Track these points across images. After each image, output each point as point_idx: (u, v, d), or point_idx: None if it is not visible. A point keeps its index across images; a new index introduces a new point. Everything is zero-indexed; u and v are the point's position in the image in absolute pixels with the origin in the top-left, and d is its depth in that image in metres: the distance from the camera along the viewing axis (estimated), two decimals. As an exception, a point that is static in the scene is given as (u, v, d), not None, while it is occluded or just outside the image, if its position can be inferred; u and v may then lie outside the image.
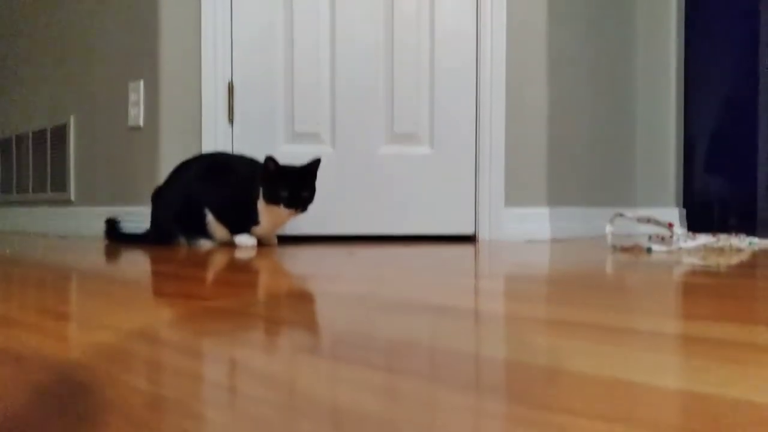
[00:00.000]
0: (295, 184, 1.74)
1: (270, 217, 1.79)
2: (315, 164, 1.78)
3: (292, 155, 2.14)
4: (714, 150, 2.90)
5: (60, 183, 2.64)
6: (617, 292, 0.84)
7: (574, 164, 2.39)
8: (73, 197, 2.57)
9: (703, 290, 0.85)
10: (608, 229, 1.75)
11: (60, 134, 2.65)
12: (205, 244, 1.82)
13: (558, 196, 2.26)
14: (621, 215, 1.76)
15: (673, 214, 2.78)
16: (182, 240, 1.83)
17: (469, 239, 2.19)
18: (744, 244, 1.66)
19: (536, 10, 2.19)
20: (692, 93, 2.90)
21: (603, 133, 2.60)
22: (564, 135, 2.31)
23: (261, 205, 1.77)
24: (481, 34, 2.20)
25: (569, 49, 2.35)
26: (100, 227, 2.34)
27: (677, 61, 2.82)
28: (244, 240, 1.80)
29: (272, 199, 1.75)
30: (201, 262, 1.33)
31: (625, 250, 1.63)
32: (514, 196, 2.19)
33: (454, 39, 2.21)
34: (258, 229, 1.82)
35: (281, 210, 1.75)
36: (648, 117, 2.83)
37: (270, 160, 1.73)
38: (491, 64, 2.19)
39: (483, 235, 2.20)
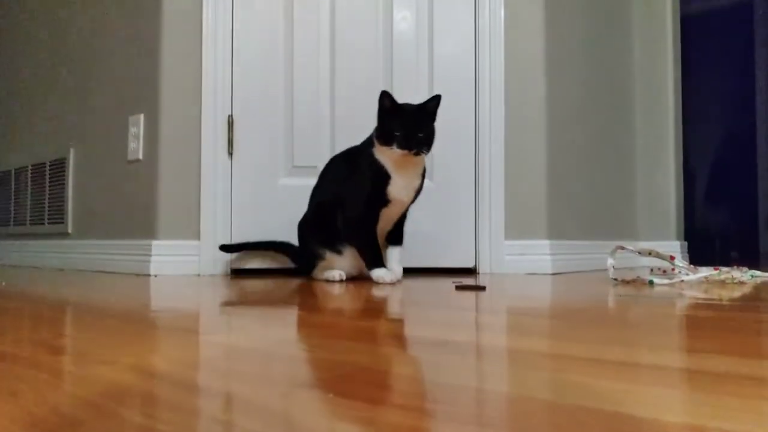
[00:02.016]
0: (411, 123, 1.59)
1: (391, 166, 1.63)
2: (434, 101, 1.64)
3: (291, 188, 2.15)
4: (714, 184, 2.91)
5: (58, 216, 2.64)
6: (620, 325, 0.83)
7: (574, 198, 2.39)
8: (70, 230, 2.56)
9: (705, 323, 0.84)
10: (610, 262, 1.74)
11: (59, 167, 2.65)
12: (335, 274, 1.74)
13: (558, 229, 2.26)
14: (622, 248, 1.76)
15: (674, 247, 2.77)
16: (325, 254, 1.75)
17: (469, 272, 2.17)
18: (746, 276, 1.65)
19: (534, 43, 2.22)
20: (691, 128, 2.92)
21: (603, 167, 2.61)
22: (563, 169, 2.32)
23: (376, 150, 1.65)
24: (479, 67, 2.22)
25: (568, 84, 2.37)
26: (97, 260, 2.33)
27: (675, 98, 2.85)
28: (381, 274, 1.66)
29: (385, 140, 1.60)
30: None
31: (626, 283, 1.61)
32: (515, 229, 2.19)
33: (453, 74, 2.23)
34: (391, 191, 1.65)
35: (394, 152, 1.60)
36: (647, 152, 2.85)
37: (385, 95, 1.61)
38: (490, 99, 2.21)
39: (483, 268, 2.18)
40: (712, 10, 2.99)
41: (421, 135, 1.60)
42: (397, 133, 1.59)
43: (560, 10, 2.34)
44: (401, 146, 1.59)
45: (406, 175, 1.66)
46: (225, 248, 2.05)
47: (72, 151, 2.59)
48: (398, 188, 1.66)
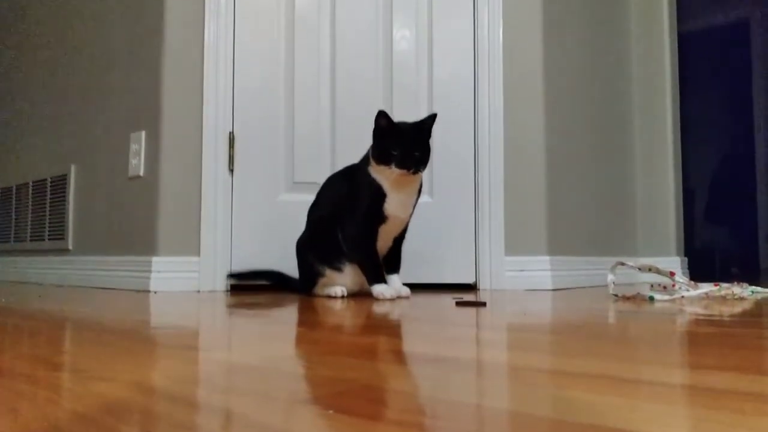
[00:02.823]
0: (408, 142, 1.60)
1: (387, 184, 1.64)
2: (430, 120, 1.65)
3: (291, 204, 2.16)
4: (714, 200, 2.92)
5: (58, 232, 2.64)
6: (620, 341, 0.82)
7: (574, 214, 2.39)
8: (71, 246, 2.56)
9: (706, 339, 0.83)
10: (610, 278, 1.73)
11: (60, 184, 2.66)
12: (337, 290, 1.74)
13: (558, 245, 2.26)
14: (622, 264, 1.76)
15: (674, 263, 2.77)
16: (325, 271, 1.75)
17: (470, 288, 2.17)
18: (746, 292, 1.65)
19: (533, 61, 2.24)
20: (690, 146, 2.94)
21: (603, 184, 2.61)
22: (563, 185, 2.32)
23: (373, 169, 1.66)
24: (478, 86, 2.24)
25: (567, 103, 2.39)
26: (97, 277, 2.32)
27: (673, 115, 2.86)
28: (382, 290, 1.66)
29: (382, 159, 1.61)
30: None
31: (627, 299, 1.61)
32: (515, 245, 2.19)
33: (453, 93, 2.25)
34: (387, 208, 1.66)
35: (392, 172, 1.61)
36: (647, 169, 2.86)
37: (381, 115, 1.62)
38: (489, 117, 2.22)
39: (484, 284, 2.18)
40: (709, 28, 3.02)
41: (417, 154, 1.61)
42: (394, 153, 1.60)
43: (559, 30, 2.36)
44: (399, 166, 1.60)
45: (403, 192, 1.68)
46: (232, 276, 2.06)
47: (73, 168, 2.60)
48: (395, 205, 1.68)
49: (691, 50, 2.97)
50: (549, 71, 2.27)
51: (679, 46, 2.93)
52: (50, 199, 2.74)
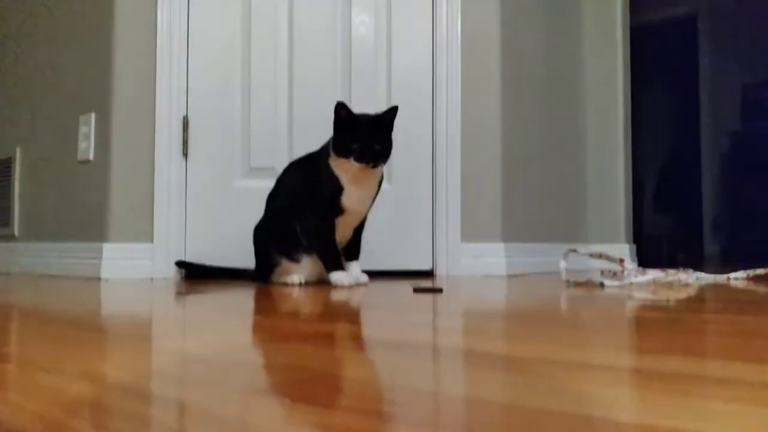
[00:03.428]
0: (368, 135, 1.57)
1: (346, 177, 1.62)
2: (391, 113, 1.62)
3: (248, 190, 2.13)
4: (662, 189, 3.01)
5: (3, 218, 2.54)
6: (572, 326, 0.84)
7: (528, 202, 2.43)
8: (17, 233, 2.47)
9: (653, 324, 0.86)
10: (562, 264, 1.77)
11: (5, 167, 2.56)
12: (295, 278, 1.71)
13: (513, 232, 2.30)
14: (574, 251, 1.80)
15: (624, 249, 2.85)
16: (282, 261, 1.72)
17: (427, 274, 2.19)
18: (692, 278, 1.71)
19: (491, 53, 2.25)
20: (640, 135, 3.02)
21: (556, 173, 2.67)
22: (518, 174, 2.36)
23: (333, 161, 1.63)
24: (437, 76, 2.24)
25: (522, 94, 2.42)
26: (45, 264, 2.25)
27: (624, 106, 2.93)
28: (340, 277, 1.65)
29: (342, 152, 1.58)
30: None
31: (578, 285, 1.65)
32: (471, 232, 2.22)
33: (411, 81, 2.25)
34: (345, 201, 1.64)
35: (351, 165, 1.59)
36: (598, 158, 2.92)
37: (341, 106, 1.58)
38: (447, 107, 2.23)
39: (441, 271, 2.20)
40: (660, 21, 3.10)
41: (378, 147, 1.59)
42: (354, 146, 1.58)
43: (516, 24, 2.38)
44: (358, 159, 1.58)
45: (362, 186, 1.67)
46: (181, 265, 2.01)
47: (18, 150, 2.50)
48: (353, 199, 1.67)
49: (643, 44, 3.04)
50: (506, 63, 2.29)
51: (631, 40, 2.99)
52: (-7, 183, 2.63)
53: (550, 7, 2.68)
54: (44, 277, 2.06)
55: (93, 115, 2.11)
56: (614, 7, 2.93)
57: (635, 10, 3.05)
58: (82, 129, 2.15)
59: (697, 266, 2.32)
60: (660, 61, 3.02)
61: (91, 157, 2.11)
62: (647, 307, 1.10)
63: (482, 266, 2.19)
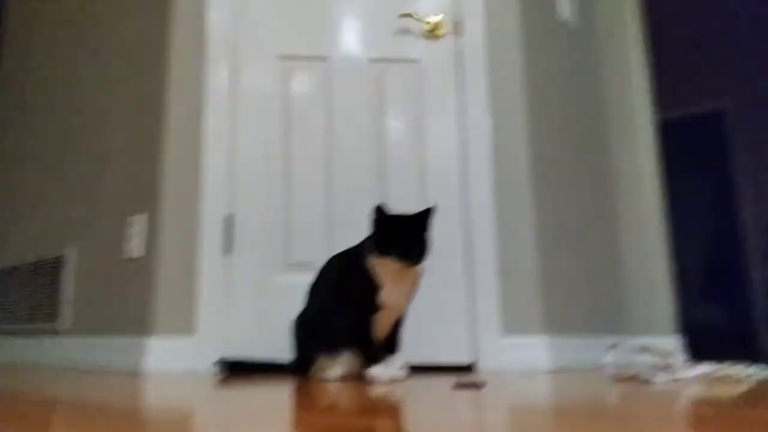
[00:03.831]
0: (406, 235, 1.60)
1: (385, 276, 1.64)
2: (428, 213, 1.66)
3: (288, 285, 2.16)
4: (709, 280, 2.94)
5: (52, 313, 2.62)
6: (619, 424, 0.82)
7: (569, 292, 2.40)
8: (64, 327, 2.53)
9: (705, 422, 0.83)
10: (607, 359, 1.72)
11: (56, 265, 2.67)
12: (333, 372, 1.72)
13: (556, 325, 2.25)
14: (619, 345, 1.75)
15: (671, 342, 2.75)
16: (320, 356, 1.73)
17: (466, 369, 2.14)
18: (745, 373, 1.63)
19: (519, 150, 2.31)
20: (681, 228, 2.99)
21: (595, 263, 2.64)
22: (556, 263, 2.34)
23: (372, 260, 1.65)
24: (468, 172, 2.30)
25: (554, 186, 2.45)
26: (90, 358, 2.29)
27: (658, 197, 2.93)
28: (378, 372, 1.64)
29: (381, 251, 1.61)
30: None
31: (624, 380, 1.59)
32: (511, 324, 2.18)
33: (443, 179, 2.30)
34: (383, 299, 1.65)
35: (391, 264, 1.61)
36: (637, 250, 2.89)
37: (379, 209, 1.63)
38: (479, 200, 2.27)
39: (481, 365, 2.15)
40: (688, 116, 3.15)
41: (417, 246, 1.62)
42: (393, 245, 1.61)
43: (543, 120, 2.46)
44: (398, 259, 1.61)
45: (401, 284, 1.68)
46: (222, 363, 2.03)
47: (70, 250, 2.61)
48: (392, 296, 1.68)
49: (673, 137, 3.08)
50: (536, 156, 2.34)
51: (662, 134, 3.04)
52: (45, 280, 2.73)
53: (576, 103, 2.76)
54: (88, 372, 2.09)
55: (142, 216, 2.21)
56: (639, 103, 3.00)
57: (663, 106, 3.11)
58: (132, 229, 2.25)
59: (752, 360, 2.21)
60: (691, 152, 3.04)
61: (139, 255, 2.19)
62: (698, 404, 1.05)
63: (524, 360, 2.13)
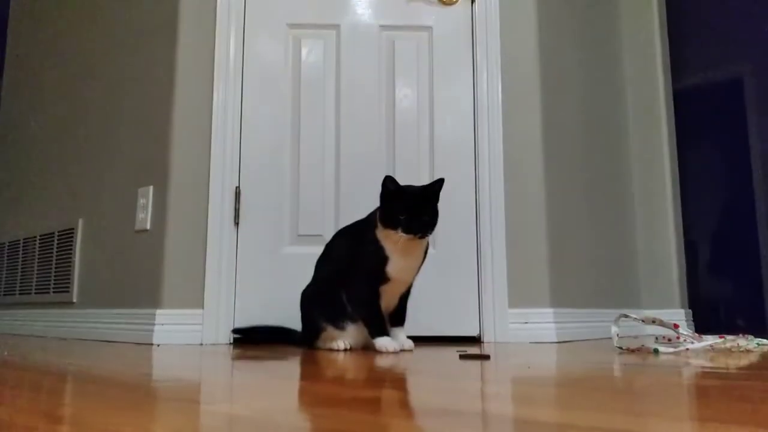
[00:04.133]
0: (414, 207, 1.59)
1: (392, 248, 1.64)
2: (437, 184, 1.66)
3: (296, 257, 2.17)
4: (717, 252, 2.92)
5: (63, 285, 2.65)
6: (626, 394, 0.82)
7: (577, 267, 2.39)
8: (75, 299, 2.56)
9: (711, 392, 0.83)
10: (614, 330, 1.72)
11: (67, 237, 2.69)
12: (340, 343, 1.73)
13: (562, 297, 2.25)
14: (626, 316, 1.75)
15: (678, 315, 2.75)
16: (327, 327, 1.75)
17: (473, 340, 2.15)
18: (752, 344, 1.63)
19: (531, 121, 2.28)
20: (690, 197, 2.96)
21: (604, 237, 2.63)
22: (565, 238, 2.34)
23: (379, 232, 1.66)
24: (479, 142, 2.28)
25: (566, 157, 2.43)
26: (100, 329, 2.32)
27: (671, 169, 2.90)
28: (384, 343, 1.65)
29: (389, 223, 1.61)
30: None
31: (631, 351, 1.60)
32: (518, 297, 2.18)
33: (453, 149, 2.29)
34: (390, 271, 1.67)
35: (398, 236, 1.60)
36: (648, 222, 2.87)
37: (389, 180, 1.63)
38: (489, 172, 2.25)
39: (487, 337, 2.17)
40: (704, 85, 3.10)
41: (425, 218, 1.61)
42: (401, 217, 1.60)
43: (556, 88, 2.42)
44: (406, 230, 1.60)
45: (408, 256, 1.68)
46: (236, 332, 2.05)
47: (80, 222, 2.63)
48: (399, 268, 1.68)
49: (687, 106, 3.03)
50: (547, 128, 2.32)
51: (675, 103, 2.99)
52: (57, 252, 2.76)
53: (590, 74, 2.72)
54: (99, 343, 2.12)
55: (151, 188, 2.22)
56: (655, 70, 2.95)
57: (678, 74, 3.06)
58: (141, 201, 2.26)
59: (758, 332, 2.21)
60: (706, 118, 3.00)
61: (148, 226, 2.20)
62: (705, 375, 1.05)
63: (530, 332, 2.14)
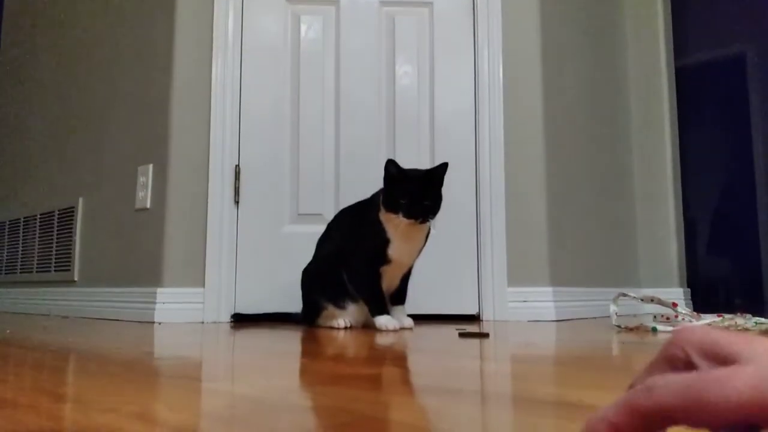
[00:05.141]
0: (417, 191, 1.58)
1: (394, 231, 1.64)
2: (440, 169, 1.64)
3: (296, 236, 2.17)
4: (716, 231, 2.92)
5: (64, 264, 2.66)
6: (625, 373, 0.83)
7: (576, 245, 2.40)
8: (76, 278, 2.57)
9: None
10: (612, 308, 1.73)
11: (68, 216, 2.69)
12: (340, 321, 1.74)
13: (561, 276, 2.26)
14: (625, 295, 1.75)
15: (677, 294, 2.76)
16: (328, 306, 1.75)
17: (472, 319, 2.17)
18: (750, 323, 1.64)
19: (533, 98, 2.27)
20: (690, 177, 2.95)
21: (604, 216, 2.62)
22: (565, 217, 2.33)
23: (382, 215, 1.65)
24: (479, 121, 2.27)
25: (567, 136, 2.41)
26: (101, 308, 2.33)
27: (672, 147, 2.89)
28: (385, 321, 1.65)
29: (391, 207, 1.60)
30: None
31: (630, 330, 1.61)
32: (517, 276, 2.19)
33: (454, 127, 2.27)
34: (391, 253, 1.67)
35: (400, 220, 1.59)
36: (648, 201, 2.87)
37: (391, 163, 1.62)
38: (489, 151, 2.25)
39: (487, 316, 2.18)
40: (706, 62, 3.08)
41: (427, 203, 1.61)
42: (404, 202, 1.59)
43: (557, 69, 2.40)
44: (406, 215, 1.59)
45: (410, 240, 1.68)
46: (237, 317, 2.06)
47: (81, 200, 2.63)
48: (400, 251, 1.69)
49: (689, 84, 3.01)
50: (548, 107, 2.30)
51: (677, 81, 2.97)
52: (57, 231, 2.76)
53: (592, 51, 2.69)
54: (101, 321, 2.13)
55: (150, 167, 2.21)
56: (657, 47, 2.92)
57: (679, 52, 3.03)
58: (140, 179, 2.25)
59: (756, 311, 2.22)
60: (707, 96, 2.98)
61: (148, 205, 2.20)
62: (702, 354, 1.06)
63: (529, 311, 2.15)
